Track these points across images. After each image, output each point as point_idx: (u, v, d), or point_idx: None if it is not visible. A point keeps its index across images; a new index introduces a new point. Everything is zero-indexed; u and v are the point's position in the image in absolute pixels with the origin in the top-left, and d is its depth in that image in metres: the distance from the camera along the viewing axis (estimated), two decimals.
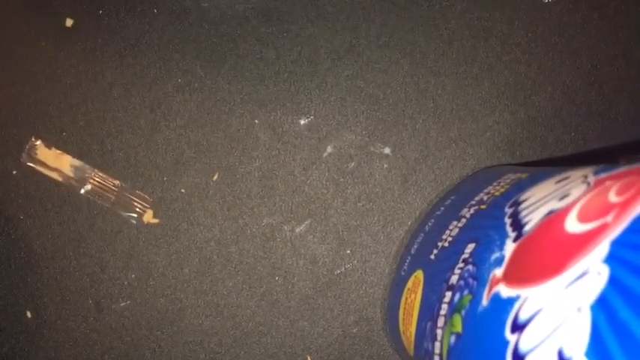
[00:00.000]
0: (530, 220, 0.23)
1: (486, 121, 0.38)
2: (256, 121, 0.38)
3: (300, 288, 0.38)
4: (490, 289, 0.22)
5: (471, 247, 0.26)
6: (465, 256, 0.26)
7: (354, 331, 0.37)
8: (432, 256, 0.30)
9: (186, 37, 0.38)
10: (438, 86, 0.38)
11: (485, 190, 0.31)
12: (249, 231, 0.38)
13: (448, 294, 0.26)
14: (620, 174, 0.21)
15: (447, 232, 0.30)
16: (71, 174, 0.38)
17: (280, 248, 0.38)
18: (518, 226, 0.24)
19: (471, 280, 0.24)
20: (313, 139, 0.38)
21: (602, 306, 0.17)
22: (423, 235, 0.34)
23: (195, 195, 0.38)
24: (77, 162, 0.38)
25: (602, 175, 0.22)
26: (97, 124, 0.38)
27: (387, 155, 0.38)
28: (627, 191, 0.19)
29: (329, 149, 0.38)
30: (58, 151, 0.38)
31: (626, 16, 0.39)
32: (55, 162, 0.38)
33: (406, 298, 0.32)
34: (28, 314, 0.38)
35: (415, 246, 0.34)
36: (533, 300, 0.20)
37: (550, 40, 0.38)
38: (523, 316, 0.20)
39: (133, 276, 0.38)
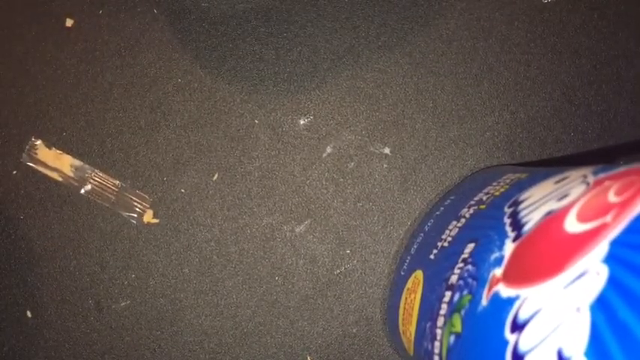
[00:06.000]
0: (529, 220, 0.23)
1: (486, 121, 0.38)
2: (256, 121, 0.38)
3: (299, 288, 0.38)
4: (490, 289, 0.22)
5: (470, 247, 0.26)
6: (465, 256, 0.26)
7: (354, 330, 0.38)
8: (432, 256, 0.30)
9: (186, 37, 0.38)
10: (437, 86, 0.38)
11: (485, 190, 0.31)
12: (249, 231, 0.38)
13: (448, 294, 0.26)
14: (619, 174, 0.21)
15: (447, 232, 0.31)
16: (71, 174, 0.38)
17: (280, 248, 0.38)
18: (517, 226, 0.24)
19: (470, 280, 0.24)
20: (313, 139, 0.38)
21: (601, 306, 0.17)
22: (422, 235, 0.34)
23: (195, 195, 0.38)
24: (77, 162, 0.38)
25: (602, 175, 0.22)
26: (97, 124, 0.38)
27: (386, 155, 0.38)
28: (626, 191, 0.19)
29: (328, 149, 0.38)
30: (58, 151, 0.38)
31: (626, 17, 0.39)
32: (55, 162, 0.38)
33: (406, 298, 0.32)
34: (28, 314, 0.38)
35: (415, 246, 0.34)
36: (532, 300, 0.20)
37: (549, 41, 0.39)
38: (522, 316, 0.20)
39: (133, 276, 0.38)
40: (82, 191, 0.38)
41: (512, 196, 0.27)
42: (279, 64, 0.38)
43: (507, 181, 0.30)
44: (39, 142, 0.38)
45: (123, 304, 0.38)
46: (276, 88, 0.38)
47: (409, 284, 0.32)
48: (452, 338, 0.24)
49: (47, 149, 0.38)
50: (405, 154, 0.38)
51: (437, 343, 0.26)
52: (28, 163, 0.38)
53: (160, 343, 0.38)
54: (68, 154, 0.38)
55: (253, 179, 0.38)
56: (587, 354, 0.17)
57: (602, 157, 0.38)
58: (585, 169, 0.24)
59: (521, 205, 0.25)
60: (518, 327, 0.20)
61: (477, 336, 0.22)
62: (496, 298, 0.22)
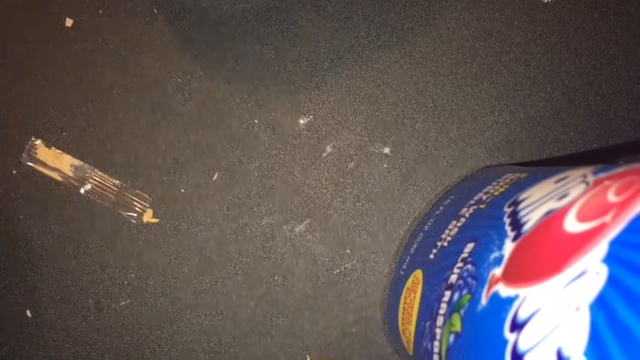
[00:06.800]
0: (529, 220, 0.23)
1: (486, 121, 0.38)
2: (256, 120, 0.38)
3: (299, 288, 0.38)
4: (489, 289, 0.22)
5: (470, 246, 0.26)
6: (464, 255, 0.26)
7: (354, 330, 0.38)
8: (432, 256, 0.30)
9: (186, 37, 0.38)
10: (437, 86, 0.38)
11: (485, 190, 0.31)
12: (248, 231, 0.38)
13: (447, 293, 0.26)
14: (619, 174, 0.21)
15: (447, 231, 0.31)
16: (71, 174, 0.38)
17: (280, 248, 0.38)
18: (517, 225, 0.24)
19: (470, 280, 0.24)
20: (313, 138, 0.38)
21: (600, 305, 0.17)
22: (422, 234, 0.34)
23: (194, 195, 0.38)
24: (77, 162, 0.38)
25: (601, 175, 0.22)
26: (97, 124, 0.38)
27: (386, 155, 0.38)
28: (626, 191, 0.19)
29: (328, 149, 0.38)
30: (58, 151, 0.38)
31: (626, 17, 0.39)
32: (55, 162, 0.38)
33: (405, 298, 0.32)
34: (28, 314, 0.38)
35: (414, 245, 0.34)
36: (532, 299, 0.20)
37: (549, 40, 0.39)
38: (522, 316, 0.20)
39: (133, 275, 0.38)
40: (82, 191, 0.38)
41: (511, 195, 0.27)
42: (279, 63, 0.38)
43: (507, 180, 0.30)
44: (39, 141, 0.38)
45: (123, 303, 0.38)
46: (276, 87, 0.38)
47: (409, 284, 0.32)
48: (451, 338, 0.24)
49: (47, 149, 0.38)
50: (405, 154, 0.38)
51: (436, 343, 0.26)
52: (28, 163, 0.38)
53: (159, 342, 0.38)
54: (68, 153, 0.38)
55: (253, 179, 0.38)
56: (586, 353, 0.17)
57: (602, 157, 0.38)
58: (585, 169, 0.24)
59: (521, 205, 0.25)
60: (517, 326, 0.20)
61: (477, 335, 0.22)
62: (495, 298, 0.22)
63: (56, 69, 0.38)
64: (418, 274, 0.31)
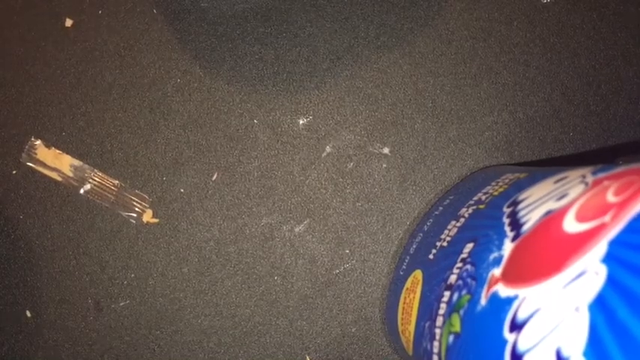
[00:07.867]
0: (528, 220, 0.23)
1: (485, 121, 0.38)
2: (255, 121, 0.38)
3: (298, 288, 0.38)
4: (488, 289, 0.22)
5: (469, 246, 0.26)
6: (464, 255, 0.26)
7: (353, 330, 0.38)
8: (431, 256, 0.31)
9: (186, 37, 0.38)
10: (436, 86, 0.38)
11: (484, 190, 0.31)
12: (248, 231, 0.38)
13: (447, 294, 0.26)
14: (618, 174, 0.21)
15: (446, 231, 0.31)
16: (71, 174, 0.38)
17: (279, 248, 0.38)
18: (516, 225, 0.24)
19: (469, 280, 0.24)
20: (312, 139, 0.38)
21: (600, 306, 0.17)
22: (421, 234, 0.34)
23: (194, 195, 0.38)
24: (77, 162, 0.38)
25: (601, 175, 0.22)
26: (97, 124, 0.38)
27: (385, 155, 0.38)
28: (625, 191, 0.19)
29: (328, 149, 0.38)
30: (57, 151, 0.38)
31: (625, 17, 0.39)
32: (55, 162, 0.38)
33: (405, 298, 0.32)
34: (28, 314, 0.38)
35: (414, 246, 0.34)
36: (531, 299, 0.20)
37: (549, 41, 0.39)
38: (521, 316, 0.20)
39: (133, 275, 0.38)
40: (82, 191, 0.38)
41: (511, 195, 0.27)
42: (278, 64, 0.38)
43: (506, 180, 0.30)
44: (38, 141, 0.38)
45: (122, 303, 0.38)
46: (275, 88, 0.38)
47: (408, 284, 0.32)
48: (451, 338, 0.24)
49: (47, 149, 0.38)
50: (404, 154, 0.38)
51: (436, 343, 0.26)
52: (28, 163, 0.38)
53: (159, 342, 0.38)
54: (68, 153, 0.38)
55: (252, 179, 0.38)
56: (585, 354, 0.17)
57: (601, 157, 0.38)
58: (584, 169, 0.24)
59: (520, 205, 0.25)
60: (517, 326, 0.20)
61: (476, 336, 0.22)
62: (495, 298, 0.22)
63: (56, 69, 0.38)
64: (417, 274, 0.31)
